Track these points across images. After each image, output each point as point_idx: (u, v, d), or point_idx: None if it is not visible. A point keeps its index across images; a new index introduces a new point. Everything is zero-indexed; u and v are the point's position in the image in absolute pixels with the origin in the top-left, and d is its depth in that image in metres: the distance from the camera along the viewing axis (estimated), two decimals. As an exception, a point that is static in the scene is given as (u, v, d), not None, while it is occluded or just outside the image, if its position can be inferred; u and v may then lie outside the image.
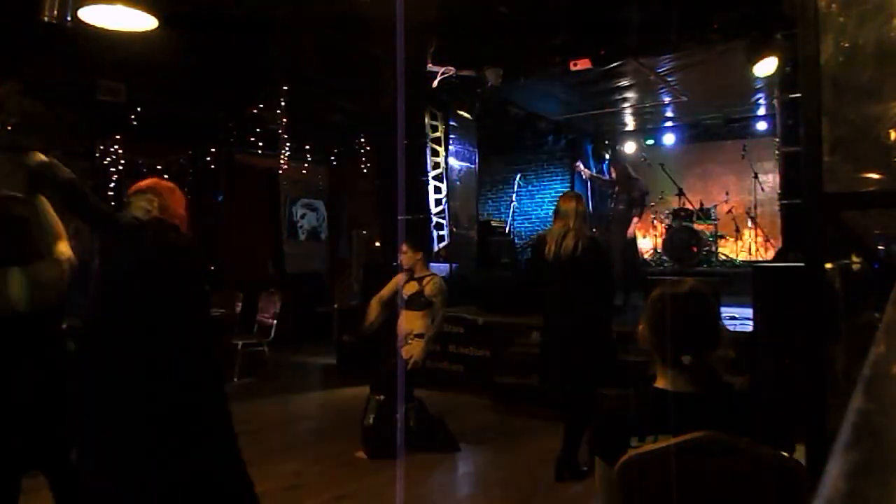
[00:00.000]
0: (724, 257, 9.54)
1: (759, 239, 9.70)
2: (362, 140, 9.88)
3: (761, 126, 9.83)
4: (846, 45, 1.87)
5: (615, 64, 6.90)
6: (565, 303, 4.24)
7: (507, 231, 9.34)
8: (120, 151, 8.13)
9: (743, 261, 9.35)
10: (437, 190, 8.22)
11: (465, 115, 8.12)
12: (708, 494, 1.55)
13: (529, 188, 10.95)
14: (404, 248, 4.97)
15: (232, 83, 7.63)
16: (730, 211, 9.95)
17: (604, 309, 4.27)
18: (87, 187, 2.60)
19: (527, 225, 10.90)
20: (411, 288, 4.89)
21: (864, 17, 1.85)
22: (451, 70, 7.36)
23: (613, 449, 1.62)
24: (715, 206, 9.79)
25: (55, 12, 3.96)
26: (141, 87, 7.35)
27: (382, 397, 4.72)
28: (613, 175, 8.05)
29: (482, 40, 6.70)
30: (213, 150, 9.01)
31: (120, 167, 8.15)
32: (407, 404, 4.77)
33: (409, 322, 4.82)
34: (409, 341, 4.76)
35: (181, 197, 2.77)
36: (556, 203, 4.41)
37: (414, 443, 4.73)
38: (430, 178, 8.10)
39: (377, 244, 8.51)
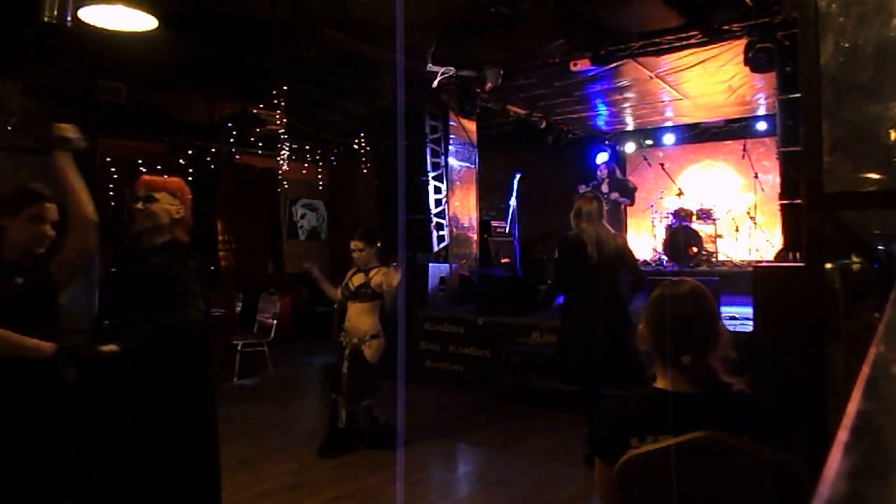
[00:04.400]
0: (724, 257, 9.53)
1: (760, 239, 9.69)
2: (362, 140, 9.88)
3: (761, 126, 9.83)
4: (846, 45, 1.87)
5: (615, 64, 6.90)
6: (600, 302, 4.29)
7: (507, 231, 9.34)
8: (120, 151, 8.13)
9: (743, 261, 9.34)
10: (437, 190, 8.22)
11: (465, 115, 8.12)
12: (708, 495, 1.55)
13: (529, 188, 10.94)
14: (360, 244, 4.80)
15: (232, 83, 7.63)
16: (730, 211, 9.95)
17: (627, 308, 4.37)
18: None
19: (527, 225, 10.89)
20: (359, 279, 4.78)
21: (864, 17, 1.86)
22: (451, 70, 7.36)
23: (613, 449, 1.62)
24: (715, 206, 9.78)
25: (55, 12, 3.96)
26: (141, 87, 7.35)
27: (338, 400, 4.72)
28: (604, 175, 8.28)
29: (482, 40, 6.70)
30: (213, 150, 9.00)
31: (120, 167, 8.15)
32: (363, 402, 4.73)
33: (359, 319, 4.70)
34: (367, 343, 4.65)
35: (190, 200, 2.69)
36: (577, 204, 4.44)
37: (359, 442, 4.73)
38: (430, 178, 8.09)
39: (377, 244, 8.50)
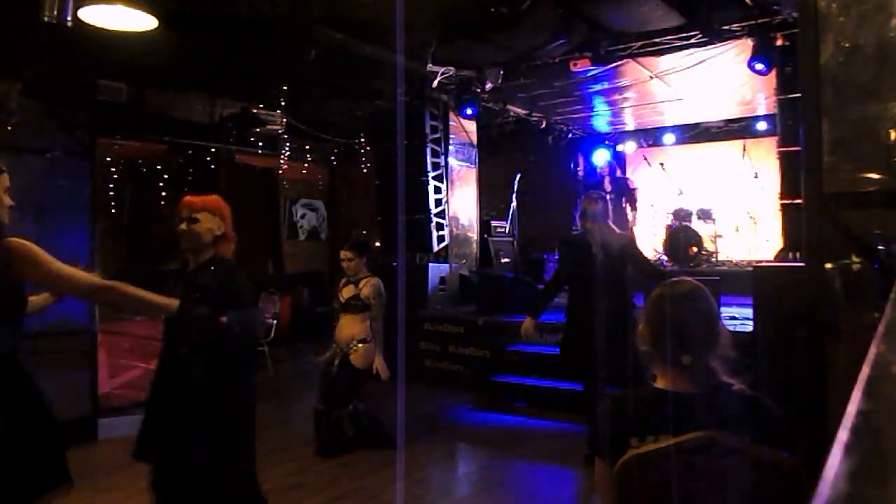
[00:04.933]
0: (724, 257, 9.53)
1: (760, 239, 9.69)
2: (362, 140, 9.87)
3: (761, 126, 9.82)
4: (846, 45, 1.87)
5: (615, 64, 6.90)
6: (606, 300, 4.30)
7: (507, 231, 9.34)
8: (120, 151, 8.13)
9: (743, 260, 9.34)
10: (437, 190, 8.21)
11: (466, 114, 8.11)
12: (708, 494, 1.55)
13: (529, 188, 10.94)
14: (349, 254, 4.86)
15: (232, 83, 7.63)
16: (730, 211, 9.94)
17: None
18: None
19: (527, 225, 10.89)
20: (349, 291, 4.83)
21: (864, 17, 1.86)
22: (451, 70, 7.35)
23: (613, 449, 1.62)
24: (715, 206, 9.78)
25: (55, 12, 3.96)
26: (141, 87, 7.35)
27: (323, 408, 4.73)
28: (605, 174, 8.33)
29: (482, 40, 6.69)
30: (213, 150, 9.00)
31: (120, 167, 8.15)
32: (343, 410, 4.73)
33: (350, 327, 4.75)
34: (354, 348, 4.69)
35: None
36: (583, 205, 4.45)
37: (351, 447, 4.72)
38: (430, 178, 8.09)
39: (377, 244, 8.50)
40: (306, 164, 10.27)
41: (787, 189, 6.42)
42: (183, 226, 2.71)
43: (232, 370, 2.68)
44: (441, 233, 8.20)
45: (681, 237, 9.08)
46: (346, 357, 4.69)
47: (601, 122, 10.84)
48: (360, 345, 4.70)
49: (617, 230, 4.51)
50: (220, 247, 2.78)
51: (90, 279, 2.33)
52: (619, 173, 9.25)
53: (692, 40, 6.41)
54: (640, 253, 4.69)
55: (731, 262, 9.39)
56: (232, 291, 2.67)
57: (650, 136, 11.20)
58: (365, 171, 9.93)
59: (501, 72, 7.31)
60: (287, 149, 9.09)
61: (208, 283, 2.64)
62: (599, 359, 4.23)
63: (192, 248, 2.73)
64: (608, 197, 8.23)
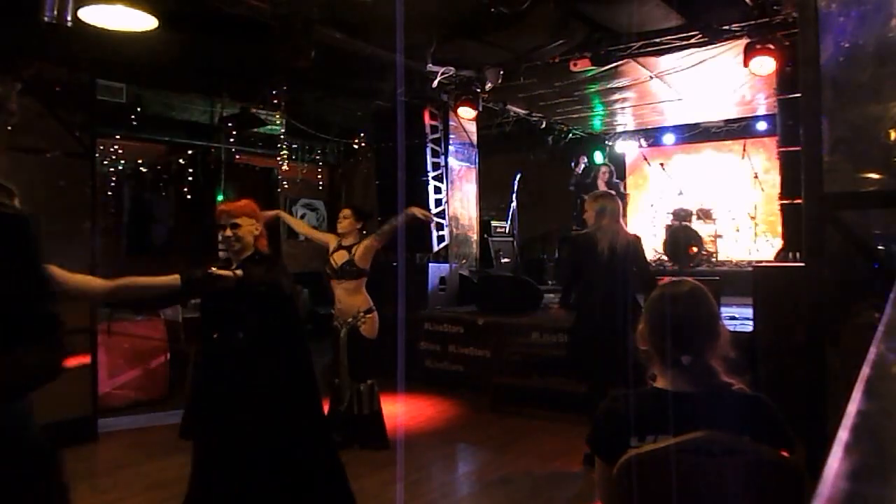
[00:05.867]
0: (724, 257, 9.53)
1: (759, 239, 9.69)
2: (362, 140, 9.88)
3: (761, 126, 9.82)
4: (846, 45, 1.87)
5: (615, 64, 6.90)
6: (614, 299, 4.30)
7: (507, 231, 9.34)
8: (120, 151, 8.13)
9: (743, 261, 9.34)
10: (437, 190, 8.21)
11: (465, 114, 8.11)
12: (708, 494, 1.55)
13: (530, 188, 10.93)
14: (348, 212, 4.83)
15: (232, 83, 7.63)
16: (730, 211, 9.94)
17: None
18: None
19: (527, 224, 10.88)
20: (341, 257, 4.72)
21: (864, 17, 1.86)
22: (451, 70, 7.35)
23: (613, 449, 1.62)
24: (715, 206, 9.78)
25: (55, 12, 3.96)
26: (141, 87, 7.35)
27: (344, 381, 4.71)
28: (601, 178, 8.38)
29: (482, 40, 6.69)
30: (213, 150, 9.00)
31: (120, 167, 8.15)
32: (367, 381, 4.70)
33: (349, 298, 4.68)
34: (363, 320, 4.65)
35: None
36: (601, 202, 4.46)
37: (349, 432, 4.66)
38: (430, 178, 8.08)
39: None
40: (306, 164, 10.27)
41: (787, 189, 6.43)
42: (228, 232, 3.00)
43: (277, 336, 2.98)
44: (441, 233, 8.20)
45: (681, 237, 9.08)
46: (356, 330, 4.64)
47: (601, 123, 10.84)
48: (367, 315, 4.66)
49: (625, 228, 4.53)
50: (258, 244, 3.10)
51: (104, 284, 2.55)
52: (614, 178, 9.26)
53: (692, 40, 6.41)
54: (644, 256, 4.70)
55: (731, 262, 9.39)
56: (274, 277, 2.97)
57: (650, 136, 11.20)
58: (365, 171, 9.92)
59: (501, 72, 7.31)
60: (287, 149, 9.08)
61: (256, 274, 2.93)
62: (611, 358, 4.23)
63: (237, 250, 3.03)
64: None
